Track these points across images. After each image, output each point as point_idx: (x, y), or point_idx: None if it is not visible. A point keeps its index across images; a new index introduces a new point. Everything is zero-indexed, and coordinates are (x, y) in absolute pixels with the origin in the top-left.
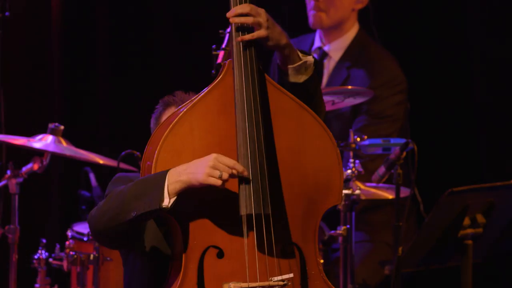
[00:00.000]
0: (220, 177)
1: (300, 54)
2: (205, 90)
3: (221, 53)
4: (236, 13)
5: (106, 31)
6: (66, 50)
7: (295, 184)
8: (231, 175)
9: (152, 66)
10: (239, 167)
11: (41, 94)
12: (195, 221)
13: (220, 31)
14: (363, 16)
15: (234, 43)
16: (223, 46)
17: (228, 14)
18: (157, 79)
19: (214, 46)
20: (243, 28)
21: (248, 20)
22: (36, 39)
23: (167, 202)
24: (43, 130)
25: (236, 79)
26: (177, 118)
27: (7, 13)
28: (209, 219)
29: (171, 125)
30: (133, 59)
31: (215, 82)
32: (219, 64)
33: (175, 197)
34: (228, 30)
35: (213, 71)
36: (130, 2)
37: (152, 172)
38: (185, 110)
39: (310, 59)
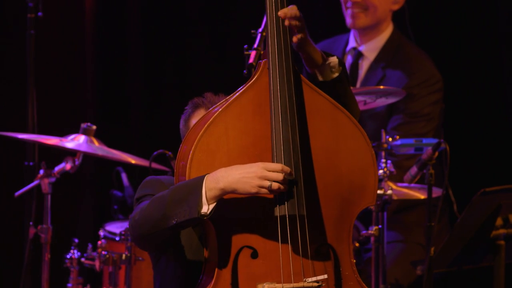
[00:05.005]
0: (269, 187)
1: (324, 56)
2: (240, 90)
3: (253, 53)
4: (288, 14)
5: (139, 31)
6: (99, 50)
7: (329, 185)
8: (281, 182)
9: (184, 66)
10: (287, 169)
11: (74, 94)
12: (229, 222)
13: (252, 31)
14: (397, 16)
15: (270, 43)
16: (255, 46)
17: (281, 14)
18: (189, 79)
19: (246, 46)
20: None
21: (299, 23)
22: (69, 40)
23: (206, 209)
24: (76, 130)
25: (271, 79)
26: (212, 118)
27: (40, 14)
28: (244, 220)
29: (206, 125)
30: (165, 59)
31: (250, 82)
32: (251, 64)
33: (214, 204)
34: (260, 30)
35: (245, 71)
36: (162, 2)
37: (187, 172)
38: (220, 110)
39: (334, 59)
